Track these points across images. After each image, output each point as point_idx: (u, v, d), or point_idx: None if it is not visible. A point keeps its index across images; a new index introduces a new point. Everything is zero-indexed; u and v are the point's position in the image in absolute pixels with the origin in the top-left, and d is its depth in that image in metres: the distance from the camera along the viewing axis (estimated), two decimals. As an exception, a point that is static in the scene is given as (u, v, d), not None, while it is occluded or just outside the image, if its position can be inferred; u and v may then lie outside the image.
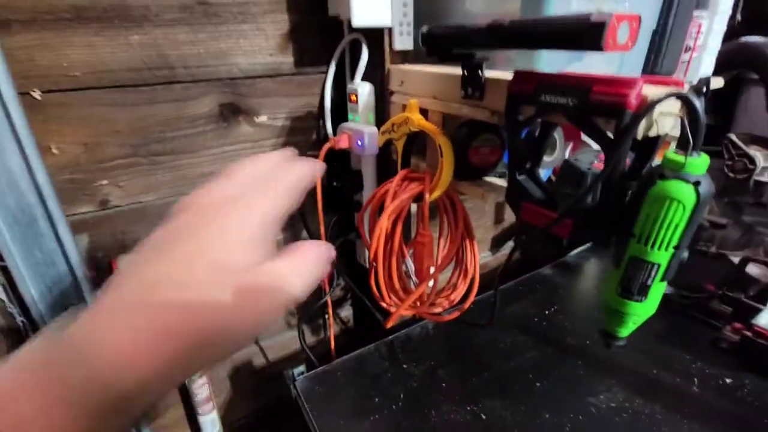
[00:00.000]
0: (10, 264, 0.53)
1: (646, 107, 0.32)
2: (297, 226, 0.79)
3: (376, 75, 0.66)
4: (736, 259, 0.77)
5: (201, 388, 0.74)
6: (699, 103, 0.32)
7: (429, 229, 0.57)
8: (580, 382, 0.66)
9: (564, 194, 0.47)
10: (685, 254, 0.37)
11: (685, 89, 0.33)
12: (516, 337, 0.76)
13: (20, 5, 0.49)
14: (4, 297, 0.56)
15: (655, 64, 0.62)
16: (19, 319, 0.57)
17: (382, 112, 0.67)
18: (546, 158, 0.57)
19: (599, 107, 0.35)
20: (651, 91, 0.33)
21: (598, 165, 0.51)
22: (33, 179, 0.51)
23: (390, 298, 0.63)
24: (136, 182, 0.62)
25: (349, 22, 0.57)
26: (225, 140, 0.67)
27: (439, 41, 0.46)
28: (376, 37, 0.63)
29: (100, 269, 0.60)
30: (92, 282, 0.60)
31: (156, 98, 0.59)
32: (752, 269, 0.75)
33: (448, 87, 0.53)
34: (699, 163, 0.33)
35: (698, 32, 0.67)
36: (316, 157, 0.66)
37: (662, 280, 0.38)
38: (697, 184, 0.33)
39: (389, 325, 0.65)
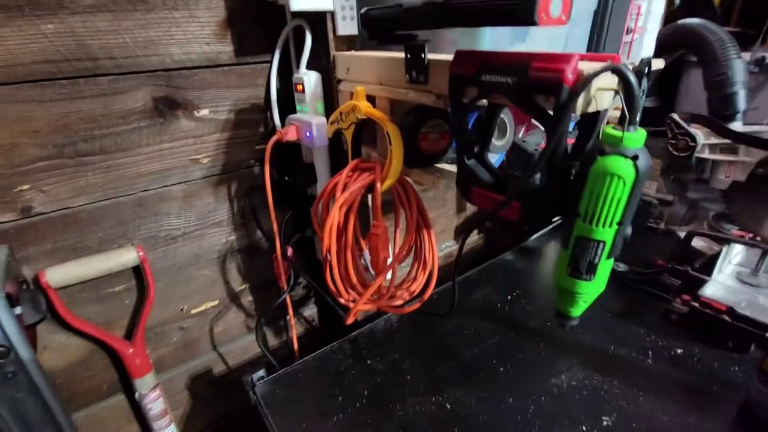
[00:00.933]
0: None
1: (583, 82, 0.32)
2: (250, 224, 0.76)
3: (322, 63, 0.63)
4: (683, 234, 0.81)
5: (154, 403, 0.69)
6: (634, 77, 0.31)
7: (382, 219, 0.56)
8: (542, 364, 0.66)
9: (514, 177, 0.46)
10: (629, 230, 0.37)
11: (621, 64, 0.33)
12: (479, 323, 0.76)
13: None
14: None
15: (598, 45, 0.63)
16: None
17: (331, 101, 0.65)
18: (497, 142, 0.56)
19: (538, 84, 0.34)
20: (587, 66, 0.33)
21: (545, 145, 0.51)
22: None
23: (348, 293, 0.61)
24: (63, 186, 0.57)
25: (289, 6, 0.54)
26: (163, 137, 0.62)
27: (379, 23, 0.45)
28: (319, 23, 0.60)
29: (21, 286, 0.55)
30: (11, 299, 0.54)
31: (79, 93, 0.54)
32: (697, 243, 0.79)
33: (394, 72, 0.51)
34: (636, 137, 0.32)
35: (638, 14, 0.68)
36: (263, 151, 0.63)
37: (609, 257, 0.38)
38: (635, 158, 0.33)
39: (349, 321, 0.63)
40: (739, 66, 0.75)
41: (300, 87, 0.64)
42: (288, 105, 0.69)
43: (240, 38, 0.63)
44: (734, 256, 0.76)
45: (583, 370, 0.64)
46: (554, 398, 0.60)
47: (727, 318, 0.63)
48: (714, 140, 0.77)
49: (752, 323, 0.62)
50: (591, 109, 0.35)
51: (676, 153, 0.80)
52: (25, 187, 0.54)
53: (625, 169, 0.32)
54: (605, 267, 0.38)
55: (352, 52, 0.59)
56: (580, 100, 0.33)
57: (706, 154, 0.78)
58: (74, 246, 0.60)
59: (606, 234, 0.36)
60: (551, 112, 0.34)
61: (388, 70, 0.52)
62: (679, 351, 0.67)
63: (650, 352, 0.67)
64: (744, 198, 0.77)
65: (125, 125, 0.59)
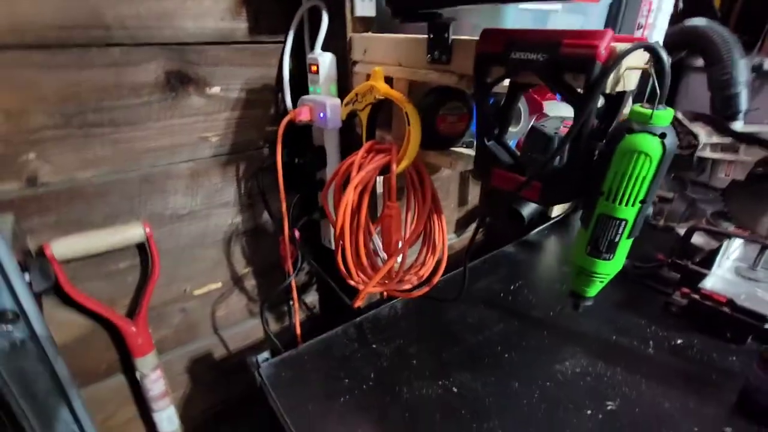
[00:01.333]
0: None
1: (616, 58, 0.32)
2: (257, 206, 0.75)
3: (338, 44, 0.63)
4: (681, 231, 0.82)
5: (155, 383, 0.68)
6: (666, 55, 0.32)
7: (395, 201, 0.56)
8: (546, 351, 0.67)
9: (532, 159, 0.47)
10: (650, 210, 0.37)
11: (653, 42, 0.33)
12: (483, 312, 0.76)
13: None
14: None
15: (612, 37, 0.64)
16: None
17: (344, 83, 0.64)
18: (511, 129, 0.57)
19: (569, 61, 0.34)
20: (619, 44, 0.33)
21: (564, 130, 0.51)
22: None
23: (358, 275, 0.61)
24: (70, 157, 0.55)
25: (309, -16, 0.54)
26: (173, 112, 0.61)
27: (403, 1, 0.44)
28: (336, 3, 0.60)
29: (28, 255, 0.53)
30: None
31: (90, 62, 0.53)
32: (697, 238, 0.80)
33: (414, 52, 0.51)
34: (665, 115, 0.33)
35: (649, 10, 0.69)
36: (275, 133, 0.62)
37: (629, 236, 0.38)
38: (663, 136, 0.33)
39: (358, 304, 0.63)
40: (743, 66, 0.77)
41: (314, 68, 0.63)
42: (300, 86, 0.68)
43: (255, 15, 0.63)
44: (733, 252, 0.78)
45: (587, 357, 0.65)
46: (558, 384, 0.61)
47: (726, 310, 0.65)
48: (715, 139, 0.79)
49: (751, 315, 0.63)
50: (619, 88, 0.36)
51: (678, 151, 0.82)
52: (32, 156, 0.53)
53: (653, 146, 0.33)
54: (625, 246, 0.39)
55: (371, 34, 0.59)
56: (611, 79, 0.34)
57: (708, 153, 0.80)
58: (79, 219, 0.58)
59: (629, 212, 0.36)
60: (581, 91, 0.35)
61: (408, 50, 0.52)
62: (679, 341, 0.68)
63: (651, 342, 0.68)
64: (742, 196, 0.79)
65: (136, 98, 0.58)
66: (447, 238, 0.62)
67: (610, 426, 0.54)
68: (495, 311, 0.76)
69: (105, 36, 0.53)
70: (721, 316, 0.65)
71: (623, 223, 0.37)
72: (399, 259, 0.60)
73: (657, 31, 0.75)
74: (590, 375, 0.62)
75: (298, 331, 0.80)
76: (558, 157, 0.40)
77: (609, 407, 0.57)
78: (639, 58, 0.34)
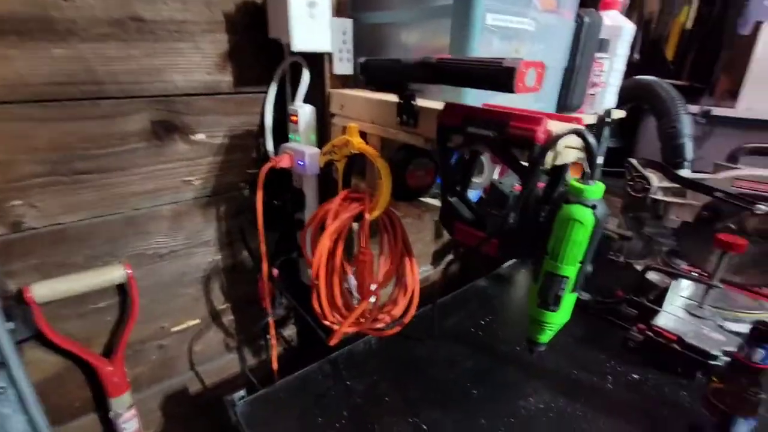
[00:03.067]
0: None
1: (551, 141, 0.37)
2: (237, 245, 0.78)
3: (317, 97, 0.67)
4: (639, 267, 0.88)
5: (128, 423, 0.68)
6: (593, 139, 0.37)
7: (369, 247, 0.59)
8: (512, 387, 0.70)
9: (490, 214, 0.51)
10: (590, 268, 0.42)
11: (584, 125, 0.38)
12: (454, 347, 0.79)
13: None
14: None
15: (567, 97, 0.71)
16: None
17: (323, 133, 0.69)
18: (476, 180, 0.62)
19: (515, 139, 0.39)
20: (555, 127, 0.38)
21: (519, 187, 0.56)
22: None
23: (333, 315, 0.64)
24: (55, 202, 0.58)
25: (290, 45, 0.59)
26: (159, 158, 0.65)
27: (376, 72, 0.49)
28: (317, 61, 0.65)
29: (10, 300, 0.55)
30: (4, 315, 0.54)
31: (81, 114, 0.56)
32: (652, 276, 0.86)
33: (386, 113, 0.56)
34: (595, 189, 0.38)
35: (601, 71, 0.77)
36: (256, 175, 0.66)
37: (572, 291, 0.43)
38: (594, 207, 0.38)
39: (333, 342, 0.66)
40: (687, 120, 0.85)
41: (295, 118, 0.68)
42: (281, 133, 0.72)
43: (239, 69, 0.67)
44: (683, 290, 0.84)
45: (549, 393, 0.69)
46: (523, 420, 0.64)
47: (677, 346, 0.70)
48: (666, 184, 0.86)
49: (698, 351, 0.68)
50: (558, 162, 0.41)
51: (633, 193, 0.89)
52: (18, 202, 0.55)
53: (586, 216, 0.38)
54: (569, 300, 0.43)
55: (347, 91, 0.64)
56: (549, 155, 0.39)
57: (660, 196, 0.87)
58: (61, 262, 0.60)
59: (570, 271, 0.41)
60: (525, 164, 0.40)
61: (381, 111, 0.57)
62: (635, 376, 0.72)
63: (610, 377, 0.72)
64: (691, 237, 0.86)
65: (122, 146, 0.61)
66: (418, 279, 0.66)
67: (568, 462, 0.58)
68: (465, 347, 0.80)
69: (97, 90, 0.56)
70: (672, 352, 0.70)
71: (566, 279, 0.41)
72: (372, 299, 0.64)
73: (610, 88, 0.83)
74: (552, 411, 0.66)
75: (275, 366, 0.81)
76: (513, 216, 0.45)
77: (568, 443, 0.60)
78: (573, 139, 0.39)
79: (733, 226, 0.78)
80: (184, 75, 0.63)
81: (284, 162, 0.66)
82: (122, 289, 0.67)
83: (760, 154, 0.83)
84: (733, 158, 0.84)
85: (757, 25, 1.12)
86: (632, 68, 1.35)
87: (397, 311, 0.68)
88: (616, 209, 1.00)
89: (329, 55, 0.63)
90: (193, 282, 0.76)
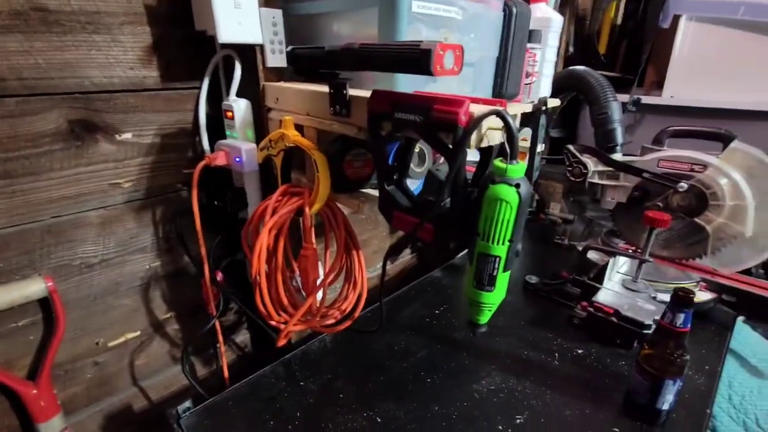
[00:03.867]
0: None
1: (473, 123, 0.38)
2: (177, 250, 0.74)
3: (252, 91, 0.65)
4: (581, 248, 0.92)
5: (62, 448, 0.63)
6: (512, 120, 0.38)
7: (312, 242, 0.58)
8: (465, 372, 0.72)
9: (428, 201, 0.52)
10: (519, 246, 0.43)
11: (508, 109, 0.39)
12: (409, 338, 0.80)
13: None
14: None
15: (501, 86, 0.72)
16: None
17: (261, 127, 0.67)
18: (417, 169, 0.62)
19: (439, 123, 0.39)
20: (478, 109, 0.39)
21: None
22: None
23: (279, 315, 0.62)
24: (-43, 213, 0.52)
25: (218, 38, 0.56)
26: (80, 160, 0.60)
27: (304, 61, 0.48)
28: (249, 53, 0.63)
29: None
30: None
31: (-20, 114, 0.51)
32: (592, 255, 0.91)
33: (320, 104, 0.55)
34: (517, 168, 0.39)
35: (534, 61, 0.80)
36: (191, 175, 0.63)
37: (504, 270, 0.44)
38: (517, 186, 0.39)
39: (281, 343, 0.64)
40: (616, 107, 0.90)
41: (230, 114, 0.65)
42: (218, 130, 0.69)
43: (166, 64, 0.64)
44: (621, 266, 0.89)
45: (500, 374, 0.71)
46: (475, 403, 0.65)
47: (614, 319, 0.74)
48: (601, 168, 0.91)
49: (633, 322, 0.72)
50: (484, 144, 0.41)
51: (572, 179, 0.93)
52: None
53: (510, 194, 0.39)
54: (503, 279, 0.44)
55: (281, 84, 0.62)
56: (474, 137, 0.39)
57: (596, 180, 0.91)
58: (-31, 278, 0.54)
59: (501, 250, 0.42)
60: (451, 146, 0.40)
61: (315, 102, 0.56)
62: (579, 351, 0.76)
63: (556, 354, 0.75)
64: (626, 216, 0.91)
65: (35, 148, 0.56)
66: (373, 272, 0.65)
67: (518, 438, 0.59)
68: (420, 337, 0.80)
69: (-2, 87, 0.51)
70: (611, 325, 0.74)
71: (497, 259, 0.42)
72: (320, 296, 0.62)
73: (544, 78, 0.86)
74: (503, 391, 0.67)
75: (226, 374, 0.78)
76: (449, 201, 0.45)
77: (518, 420, 0.62)
78: (497, 121, 0.40)
79: (660, 203, 0.83)
80: (102, 70, 0.58)
81: (220, 159, 0.64)
82: (46, 305, 0.62)
83: (681, 136, 0.90)
84: (658, 141, 0.90)
85: (676, 19, 1.21)
86: (569, 62, 1.42)
87: (348, 305, 0.67)
88: (558, 194, 1.05)
89: (261, 47, 0.61)
90: (130, 292, 0.71)
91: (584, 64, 1.13)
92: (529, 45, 0.77)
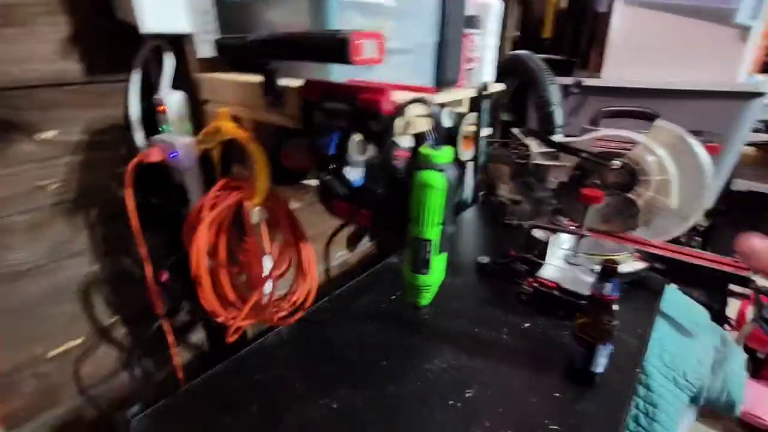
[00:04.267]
0: None
1: (397, 111, 0.38)
2: (117, 251, 0.71)
3: (187, 83, 0.63)
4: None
5: (2, 466, 0.60)
6: (436, 107, 0.39)
7: (254, 236, 0.58)
8: (419, 354, 0.74)
9: (369, 189, 0.52)
10: (451, 229, 0.45)
11: (434, 96, 0.40)
12: (366, 325, 0.81)
13: None
14: None
15: (442, 72, 0.73)
16: None
17: (199, 120, 0.65)
18: (360, 157, 0.63)
19: (365, 111, 0.40)
20: (401, 96, 0.40)
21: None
22: None
23: (226, 312, 0.61)
24: None
25: (139, 28, 0.54)
26: (-3, 163, 0.56)
27: (231, 52, 0.47)
28: (180, 44, 0.60)
29: None
30: None
31: None
32: (538, 233, 0.95)
33: (254, 95, 0.54)
34: (443, 154, 0.40)
35: (474, 46, 0.81)
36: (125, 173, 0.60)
37: (439, 253, 0.45)
38: (444, 171, 0.40)
39: (230, 339, 0.63)
40: (555, 90, 0.93)
41: (163, 108, 0.62)
42: (154, 125, 0.66)
43: (89, 56, 0.60)
44: (564, 242, 0.94)
45: (452, 353, 0.73)
46: (427, 382, 0.68)
47: (556, 293, 0.78)
48: (543, 149, 0.94)
49: (573, 295, 0.77)
50: (412, 131, 0.42)
51: (518, 160, 0.96)
52: None
53: (437, 180, 0.40)
54: (438, 261, 0.46)
55: (215, 75, 0.61)
56: (400, 124, 0.40)
57: (539, 161, 0.95)
58: None
59: (432, 233, 0.43)
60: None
61: (249, 93, 0.55)
62: (527, 325, 0.80)
63: (505, 330, 0.79)
64: (567, 195, 0.96)
65: (-58, 151, 0.52)
66: (315, 263, 0.66)
67: (468, 411, 0.62)
68: (376, 323, 0.82)
69: None
70: (553, 299, 0.79)
71: (430, 243, 0.44)
72: (268, 289, 0.62)
73: (487, 63, 0.88)
74: (454, 369, 0.70)
75: (180, 374, 0.77)
76: (381, 188, 0.46)
77: (468, 395, 0.65)
78: (424, 108, 0.41)
79: (597, 181, 0.88)
80: (17, 65, 0.54)
81: (154, 156, 0.61)
82: (-29, 318, 0.58)
83: (615, 116, 0.95)
84: (594, 122, 0.94)
85: (611, 3, 1.26)
86: (515, 46, 1.45)
87: (298, 297, 0.68)
88: (506, 176, 1.08)
89: (191, 36, 0.59)
90: (69, 298, 0.68)
91: (530, 47, 1.16)
92: (468, 30, 0.78)
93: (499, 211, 1.13)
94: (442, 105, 0.77)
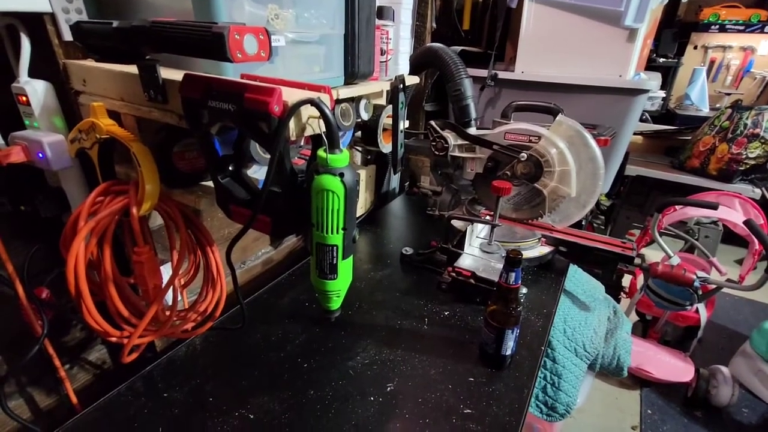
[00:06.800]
0: None
1: (288, 114, 0.36)
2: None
3: (52, 71, 0.54)
4: (449, 217, 0.99)
5: None
6: (329, 110, 0.37)
7: (146, 245, 0.52)
8: (342, 351, 0.73)
9: (272, 192, 0.49)
10: (355, 233, 0.44)
11: (318, 97, 0.38)
12: (287, 325, 0.78)
13: None
14: None
15: (353, 65, 0.71)
16: None
17: (72, 115, 0.56)
18: (265, 155, 0.59)
19: (253, 112, 0.37)
20: (292, 97, 0.37)
21: (299, 162, 0.55)
22: None
23: (120, 329, 0.55)
24: None
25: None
26: None
27: (95, 38, 0.41)
28: (39, 24, 0.51)
29: None
30: None
31: None
32: (456, 223, 0.99)
33: (134, 88, 0.48)
34: (340, 158, 0.39)
35: (388, 38, 0.80)
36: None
37: (344, 258, 0.44)
38: (341, 175, 0.39)
39: (127, 360, 0.57)
40: (468, 83, 0.96)
41: (24, 99, 0.53)
42: (15, 120, 0.57)
43: None
44: (480, 231, 0.98)
45: (375, 347, 0.74)
46: (350, 379, 0.67)
47: (472, 281, 0.82)
48: (460, 141, 0.97)
49: (488, 282, 0.81)
50: (308, 133, 0.40)
51: (436, 152, 0.98)
52: None
53: (335, 184, 0.38)
54: (344, 266, 0.45)
55: (87, 62, 0.53)
56: (293, 126, 0.38)
57: (457, 153, 0.98)
58: None
59: (336, 239, 0.42)
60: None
61: (129, 85, 0.48)
62: (446, 313, 0.83)
63: (426, 319, 0.81)
64: (483, 185, 1.00)
65: None
66: (222, 269, 0.61)
67: (388, 405, 0.63)
68: (299, 323, 0.79)
69: None
70: (470, 286, 0.82)
71: (334, 248, 0.42)
72: (169, 301, 0.57)
73: (401, 55, 0.88)
74: (377, 363, 0.71)
75: (74, 399, 0.69)
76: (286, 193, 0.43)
77: (389, 388, 0.66)
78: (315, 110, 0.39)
79: (508, 172, 0.93)
80: None
81: (16, 156, 0.52)
82: None
83: (523, 110, 1.00)
84: (505, 115, 0.99)
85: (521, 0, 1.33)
86: (433, 38, 1.47)
87: (207, 306, 0.63)
88: (426, 168, 1.10)
89: (52, 16, 0.50)
90: None
91: (448, 40, 1.18)
92: (380, 22, 0.77)
93: (422, 201, 1.15)
94: (358, 99, 0.75)
